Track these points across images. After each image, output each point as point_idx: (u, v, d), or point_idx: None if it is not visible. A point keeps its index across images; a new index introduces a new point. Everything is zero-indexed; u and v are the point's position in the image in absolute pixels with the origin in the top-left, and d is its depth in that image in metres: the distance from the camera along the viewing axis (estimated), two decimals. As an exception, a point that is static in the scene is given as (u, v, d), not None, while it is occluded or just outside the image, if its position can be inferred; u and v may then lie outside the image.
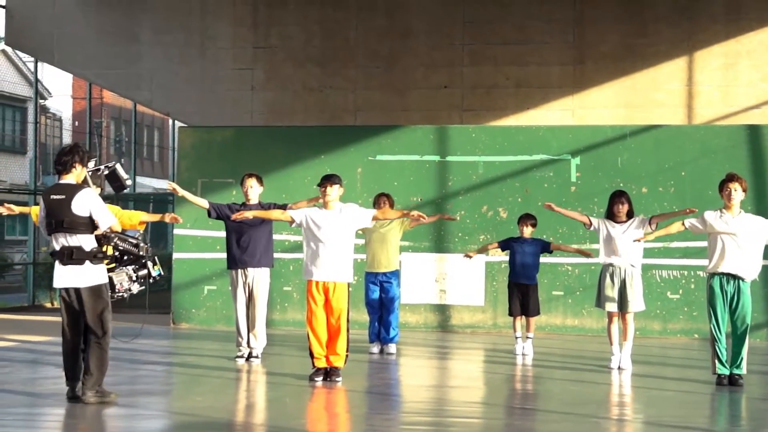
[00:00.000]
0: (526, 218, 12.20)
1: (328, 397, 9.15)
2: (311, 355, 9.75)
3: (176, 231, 15.30)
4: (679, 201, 14.19)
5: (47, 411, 8.34)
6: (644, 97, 16.39)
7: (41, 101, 34.83)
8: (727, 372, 9.81)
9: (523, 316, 12.12)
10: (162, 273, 9.35)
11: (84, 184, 8.56)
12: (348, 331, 9.76)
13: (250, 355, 11.08)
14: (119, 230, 8.65)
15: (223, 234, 11.34)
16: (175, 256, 15.25)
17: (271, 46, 17.36)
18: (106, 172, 9.54)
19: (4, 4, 18.41)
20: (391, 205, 12.09)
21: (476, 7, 16.84)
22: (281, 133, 15.47)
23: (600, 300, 10.84)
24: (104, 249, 8.38)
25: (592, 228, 10.94)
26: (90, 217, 8.24)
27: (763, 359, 11.78)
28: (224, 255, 11.34)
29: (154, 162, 49.87)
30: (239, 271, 11.02)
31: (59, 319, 8.60)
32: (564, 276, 14.34)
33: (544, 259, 12.49)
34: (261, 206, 10.95)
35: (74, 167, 8.39)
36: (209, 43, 17.52)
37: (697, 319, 13.84)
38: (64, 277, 8.32)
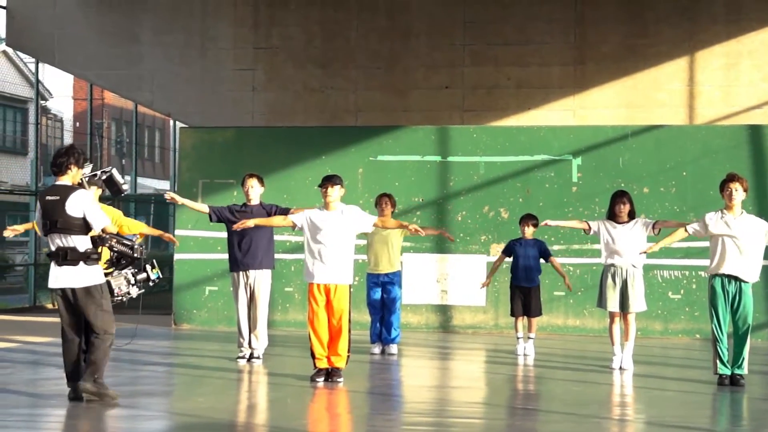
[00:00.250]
0: (528, 218, 12.20)
1: (329, 397, 9.15)
2: (312, 355, 9.74)
3: (177, 232, 15.29)
4: (680, 201, 14.20)
5: (49, 412, 8.34)
6: (645, 98, 16.40)
7: (42, 102, 34.86)
8: (728, 372, 9.80)
9: (525, 317, 12.12)
10: (161, 276, 9.43)
11: (80, 185, 8.63)
12: (349, 331, 9.76)
13: (251, 356, 11.08)
14: (114, 231, 8.70)
15: (223, 235, 11.35)
16: (177, 257, 15.25)
17: (272, 47, 17.37)
18: (104, 177, 9.65)
19: (5, 5, 18.42)
20: (393, 206, 12.10)
21: (477, 8, 16.84)
22: (282, 134, 15.47)
23: (601, 300, 10.83)
24: (99, 250, 8.43)
25: (592, 233, 10.94)
26: (84, 218, 8.30)
27: (764, 359, 11.77)
28: (225, 256, 11.35)
29: (155, 163, 49.89)
30: (241, 273, 11.03)
31: (59, 320, 8.62)
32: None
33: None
34: (262, 207, 10.97)
35: (70, 169, 8.46)
36: (210, 43, 17.52)
37: (699, 319, 13.83)
38: (60, 278, 8.39)
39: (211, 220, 11.11)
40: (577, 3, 16.64)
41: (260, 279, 11.00)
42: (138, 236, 9.21)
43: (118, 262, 8.92)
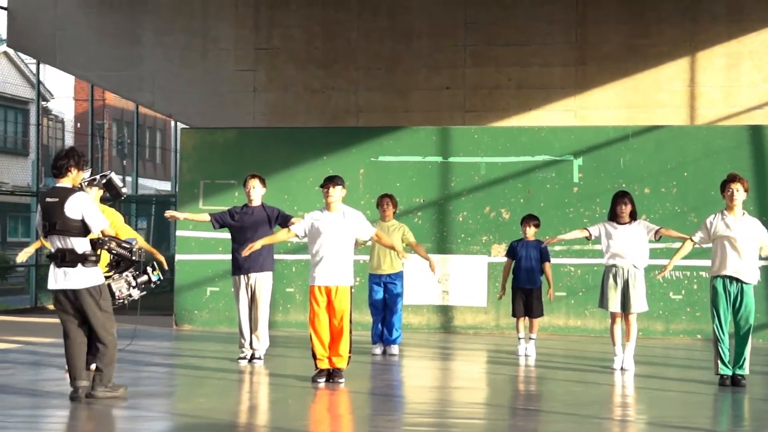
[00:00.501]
0: (529, 219, 12.19)
1: (330, 398, 9.15)
2: (314, 356, 9.74)
3: (179, 233, 15.31)
4: (681, 202, 14.19)
5: (50, 412, 8.34)
6: (646, 98, 16.40)
7: (43, 103, 34.88)
8: (729, 372, 9.80)
9: (526, 317, 12.11)
10: (162, 278, 9.47)
11: (79, 188, 8.68)
12: (351, 332, 9.76)
13: (252, 357, 11.08)
14: (112, 234, 8.73)
15: (224, 235, 11.37)
16: (178, 257, 15.25)
17: (273, 48, 17.37)
18: (103, 181, 9.71)
19: (6, 6, 18.43)
20: (395, 206, 12.12)
21: (478, 9, 16.85)
22: (283, 135, 15.47)
23: (603, 301, 10.83)
24: (98, 252, 8.46)
25: (593, 238, 10.94)
26: (83, 221, 8.35)
27: (765, 360, 11.76)
28: (226, 257, 11.37)
29: (156, 164, 49.91)
30: (242, 275, 11.05)
31: (59, 321, 8.64)
32: (567, 277, 14.33)
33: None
34: (264, 209, 11.00)
35: (70, 171, 8.52)
36: (211, 44, 17.52)
37: (700, 319, 13.83)
38: (59, 279, 8.44)
39: (214, 227, 11.24)
40: (579, 3, 16.63)
41: (261, 280, 11.01)
42: (137, 240, 9.23)
43: (117, 265, 8.94)
